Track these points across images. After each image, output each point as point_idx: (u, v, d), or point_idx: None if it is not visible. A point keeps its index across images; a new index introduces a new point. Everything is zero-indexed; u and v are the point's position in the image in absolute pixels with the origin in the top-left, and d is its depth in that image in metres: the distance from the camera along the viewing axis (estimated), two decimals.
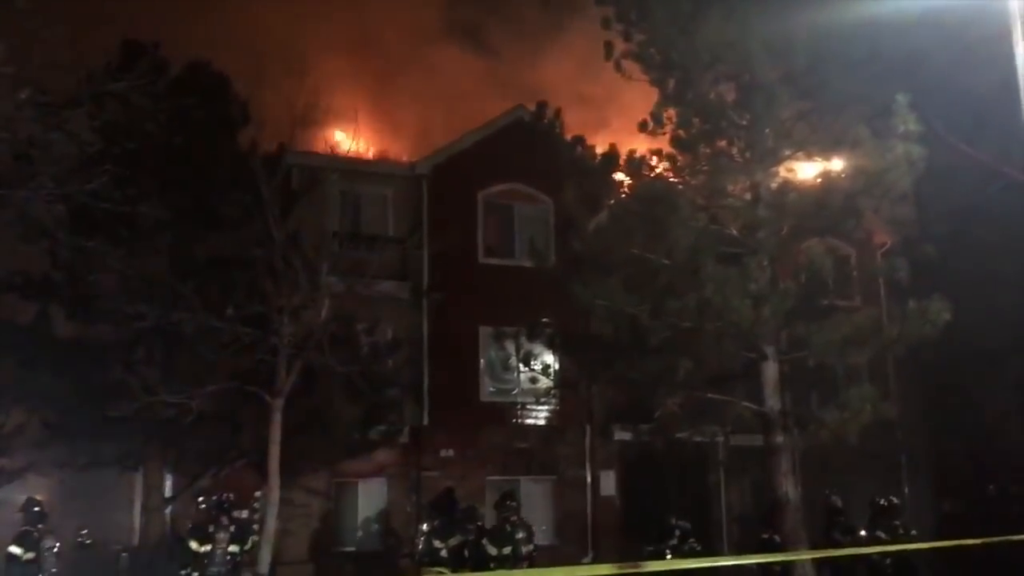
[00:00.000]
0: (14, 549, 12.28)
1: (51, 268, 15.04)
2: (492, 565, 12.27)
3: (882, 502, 14.86)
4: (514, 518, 12.48)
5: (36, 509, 12.93)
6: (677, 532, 14.31)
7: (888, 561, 13.89)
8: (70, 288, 14.71)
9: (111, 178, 9.62)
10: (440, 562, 12.84)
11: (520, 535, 12.32)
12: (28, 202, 9.36)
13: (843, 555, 12.85)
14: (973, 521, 15.89)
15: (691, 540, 14.28)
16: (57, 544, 13.24)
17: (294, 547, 18.39)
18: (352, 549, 19.14)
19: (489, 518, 14.79)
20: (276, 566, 15.33)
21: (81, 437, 15.04)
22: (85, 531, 16.42)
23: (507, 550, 12.19)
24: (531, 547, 12.62)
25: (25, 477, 17.11)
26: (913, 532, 14.23)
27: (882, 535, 13.94)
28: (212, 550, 12.27)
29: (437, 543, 13.01)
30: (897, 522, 14.68)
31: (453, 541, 13.11)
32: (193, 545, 12.34)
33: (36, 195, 9.20)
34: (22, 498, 13.90)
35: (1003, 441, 18.11)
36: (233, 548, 12.41)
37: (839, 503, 15.29)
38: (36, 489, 16.39)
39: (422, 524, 13.77)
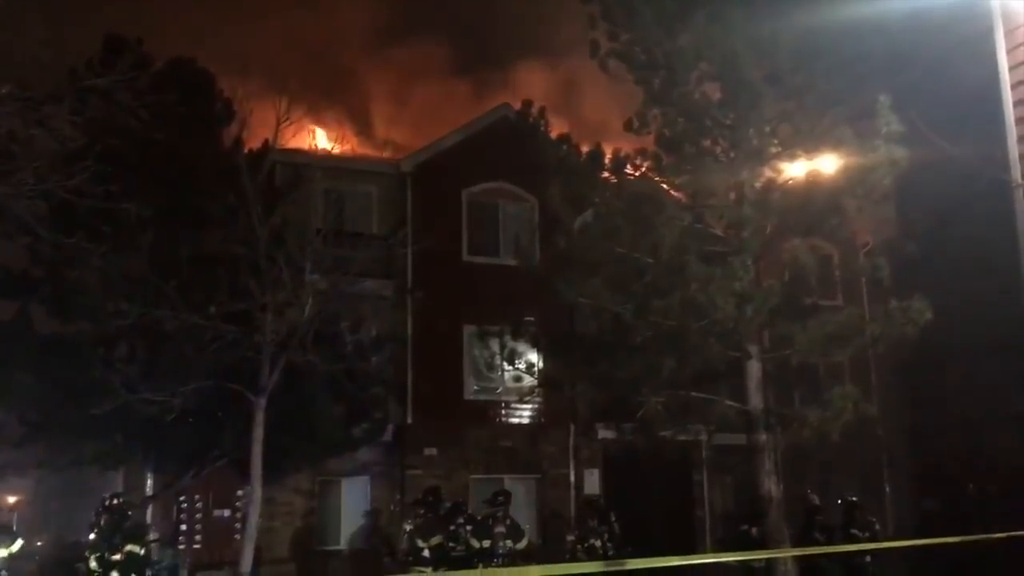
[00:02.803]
0: None
1: (32, 265, 14.92)
2: (476, 561, 12.32)
3: (851, 499, 15.03)
4: (499, 514, 12.52)
5: None
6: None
7: (868, 559, 13.99)
8: (51, 285, 14.58)
9: (93, 174, 9.52)
10: (422, 561, 12.85)
11: (498, 530, 12.35)
12: (8, 198, 9.25)
13: (825, 553, 12.93)
14: (953, 519, 16.00)
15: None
16: (19, 542, 13.13)
17: (277, 546, 18.33)
18: (336, 547, 19.10)
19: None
20: (259, 565, 15.28)
21: (61, 435, 14.91)
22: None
23: (486, 543, 12.25)
24: (510, 543, 12.56)
25: (5, 476, 16.98)
26: (878, 528, 14.40)
27: (857, 533, 14.07)
28: None
29: (419, 542, 13.03)
30: (872, 518, 14.84)
31: (435, 540, 13.13)
32: None
33: (17, 191, 9.09)
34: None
35: (983, 440, 18.25)
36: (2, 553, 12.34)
37: (817, 501, 15.42)
38: (17, 489, 16.30)
39: (405, 523, 13.77)
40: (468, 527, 13.71)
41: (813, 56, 11.54)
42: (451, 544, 13.50)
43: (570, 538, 14.48)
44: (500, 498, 13.02)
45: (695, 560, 13.49)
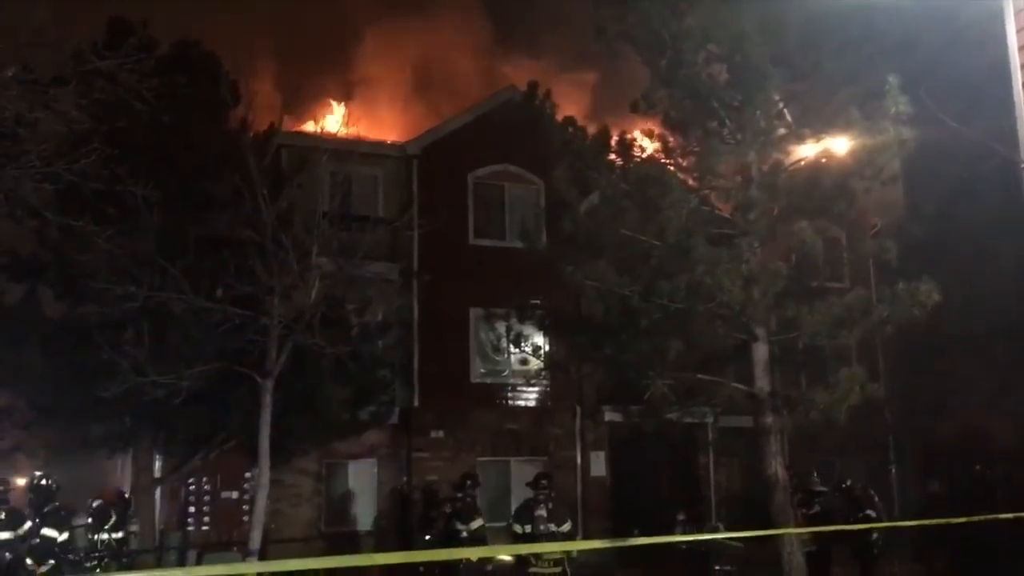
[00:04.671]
0: None
1: (39, 248, 14.95)
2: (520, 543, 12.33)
3: (844, 484, 15.01)
4: (541, 497, 12.48)
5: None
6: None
7: (875, 537, 13.99)
8: (58, 268, 14.63)
9: (99, 157, 9.54)
10: (461, 543, 12.89)
11: (539, 513, 12.28)
12: (15, 181, 9.25)
13: (827, 531, 12.95)
14: (959, 501, 16.02)
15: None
16: (27, 524, 13.11)
17: (285, 527, 18.45)
18: (343, 529, 19.20)
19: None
20: (267, 546, 15.37)
21: (70, 418, 14.99)
22: None
23: (527, 527, 12.22)
24: (552, 527, 12.42)
25: (14, 459, 17.06)
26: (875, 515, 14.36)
27: (872, 513, 14.07)
28: None
29: (459, 525, 13.11)
30: (875, 498, 14.83)
31: (475, 524, 13.22)
32: None
33: (23, 174, 9.10)
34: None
35: (990, 422, 18.24)
36: (4, 535, 12.03)
37: (819, 487, 15.40)
38: (26, 471, 16.34)
39: (444, 506, 13.77)
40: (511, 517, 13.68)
41: (821, 37, 11.45)
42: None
43: (681, 518, 14.57)
44: (543, 481, 12.93)
45: (699, 539, 13.54)
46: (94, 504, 13.63)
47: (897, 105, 10.94)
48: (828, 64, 11.51)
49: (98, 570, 12.40)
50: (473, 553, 12.62)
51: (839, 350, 15.44)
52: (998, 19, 10.11)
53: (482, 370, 20.56)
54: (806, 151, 12.03)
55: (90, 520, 13.29)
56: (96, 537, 13.07)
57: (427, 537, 14.03)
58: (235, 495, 19.16)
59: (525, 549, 11.76)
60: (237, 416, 14.50)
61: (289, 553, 17.70)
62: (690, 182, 12.05)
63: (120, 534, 13.42)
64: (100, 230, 10.88)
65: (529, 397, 20.74)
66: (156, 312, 13.06)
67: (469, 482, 14.41)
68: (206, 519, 19.03)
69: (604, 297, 11.66)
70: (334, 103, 24.63)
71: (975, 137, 12.38)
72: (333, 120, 19.20)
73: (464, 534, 13.08)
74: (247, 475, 18.23)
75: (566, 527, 12.60)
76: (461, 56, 33.14)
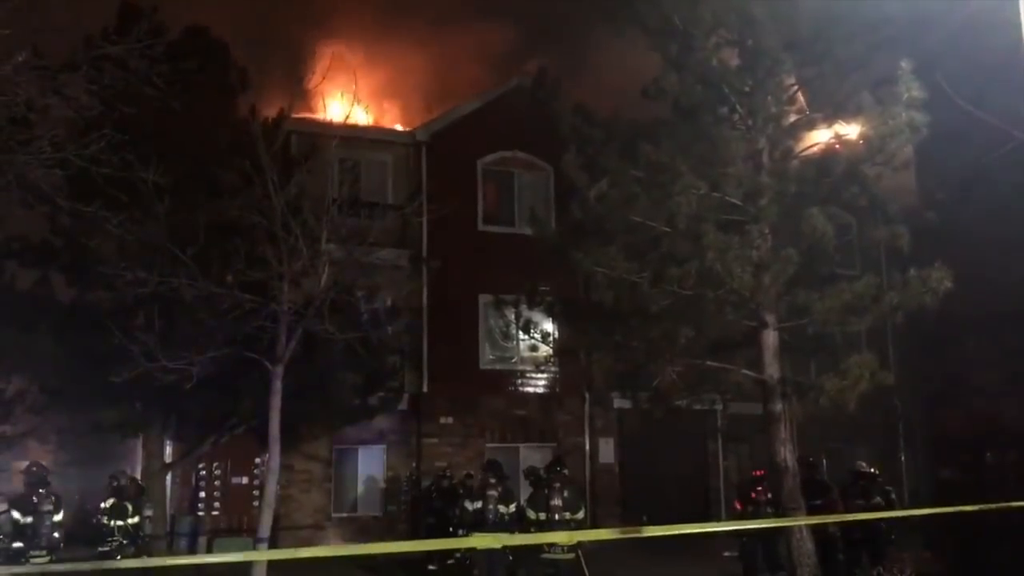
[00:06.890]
0: (14, 514, 12.27)
1: (50, 234, 15.01)
2: (532, 529, 12.39)
3: (871, 470, 14.98)
4: (557, 484, 12.50)
5: (35, 470, 12.87)
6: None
7: (883, 525, 13.97)
8: (69, 254, 14.69)
9: (109, 143, 9.54)
10: (505, 526, 13.01)
11: (555, 502, 12.31)
12: (27, 167, 9.26)
13: (840, 520, 12.93)
14: (971, 488, 15.97)
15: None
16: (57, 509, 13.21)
17: (295, 512, 18.55)
18: (352, 514, 19.31)
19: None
20: (277, 531, 15.45)
21: (81, 403, 15.08)
22: None
23: (542, 515, 12.27)
24: (568, 515, 12.43)
25: (25, 443, 17.19)
26: (894, 496, 14.31)
27: (880, 501, 14.04)
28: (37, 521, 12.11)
29: (502, 508, 13.24)
30: (889, 488, 14.80)
31: (515, 506, 13.37)
32: (16, 516, 12.16)
33: (34, 160, 9.11)
34: (24, 463, 13.90)
35: (1001, 409, 18.17)
36: (58, 518, 12.36)
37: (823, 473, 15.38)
38: (37, 456, 16.49)
39: (488, 491, 13.86)
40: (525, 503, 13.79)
41: (832, 22, 11.38)
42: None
43: (759, 489, 14.62)
44: (558, 468, 12.94)
45: (709, 528, 13.54)
46: (119, 485, 13.74)
47: (910, 90, 10.86)
48: (840, 49, 11.43)
49: (119, 556, 12.58)
50: (483, 542, 12.67)
51: (849, 337, 15.40)
52: (1012, 1, 10.03)
53: (491, 356, 20.59)
54: (818, 137, 11.97)
55: (104, 505, 13.45)
56: (113, 523, 13.23)
57: (473, 508, 14.15)
58: (245, 480, 19.28)
59: (534, 539, 11.79)
60: (247, 401, 14.56)
61: (299, 539, 17.84)
62: (700, 168, 11.99)
63: (136, 519, 13.57)
64: (111, 216, 10.88)
65: (538, 383, 20.76)
66: (167, 298, 13.09)
67: (498, 470, 14.50)
68: (216, 504, 19.16)
69: (614, 283, 11.64)
70: (343, 88, 24.58)
71: (989, 121, 12.27)
72: (342, 106, 19.17)
73: (506, 517, 13.24)
74: (257, 460, 18.33)
75: (580, 515, 12.64)
76: (471, 42, 33.04)
